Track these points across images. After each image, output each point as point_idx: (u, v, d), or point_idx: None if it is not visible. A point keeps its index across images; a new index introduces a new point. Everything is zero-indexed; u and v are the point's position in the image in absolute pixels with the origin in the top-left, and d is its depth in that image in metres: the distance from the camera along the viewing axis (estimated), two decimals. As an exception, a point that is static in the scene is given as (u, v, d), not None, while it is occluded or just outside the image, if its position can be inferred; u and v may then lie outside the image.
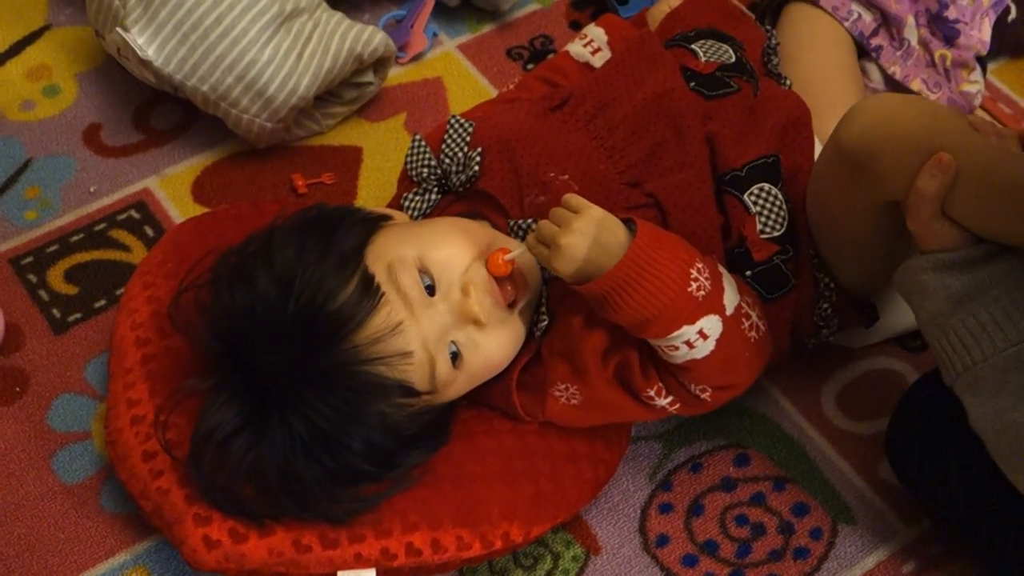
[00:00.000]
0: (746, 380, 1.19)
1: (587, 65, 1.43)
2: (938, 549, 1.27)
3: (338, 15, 1.53)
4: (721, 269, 1.16)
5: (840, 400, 1.37)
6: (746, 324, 1.16)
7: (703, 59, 1.33)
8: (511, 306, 1.19)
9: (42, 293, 1.42)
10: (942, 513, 1.23)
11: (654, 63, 1.32)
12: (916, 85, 1.50)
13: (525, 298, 1.20)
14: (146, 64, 1.46)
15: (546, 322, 1.20)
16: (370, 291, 1.13)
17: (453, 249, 1.17)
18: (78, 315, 1.41)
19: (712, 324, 1.13)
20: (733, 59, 1.33)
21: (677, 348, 1.13)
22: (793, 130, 1.29)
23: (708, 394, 1.17)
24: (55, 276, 1.44)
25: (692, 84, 1.29)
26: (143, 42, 1.45)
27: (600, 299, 1.12)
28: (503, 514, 1.20)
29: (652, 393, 1.18)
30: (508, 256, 1.17)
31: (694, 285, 1.11)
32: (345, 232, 1.17)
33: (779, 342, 1.27)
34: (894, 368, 1.39)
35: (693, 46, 1.35)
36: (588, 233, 1.11)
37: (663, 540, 1.27)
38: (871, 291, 1.31)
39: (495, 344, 1.18)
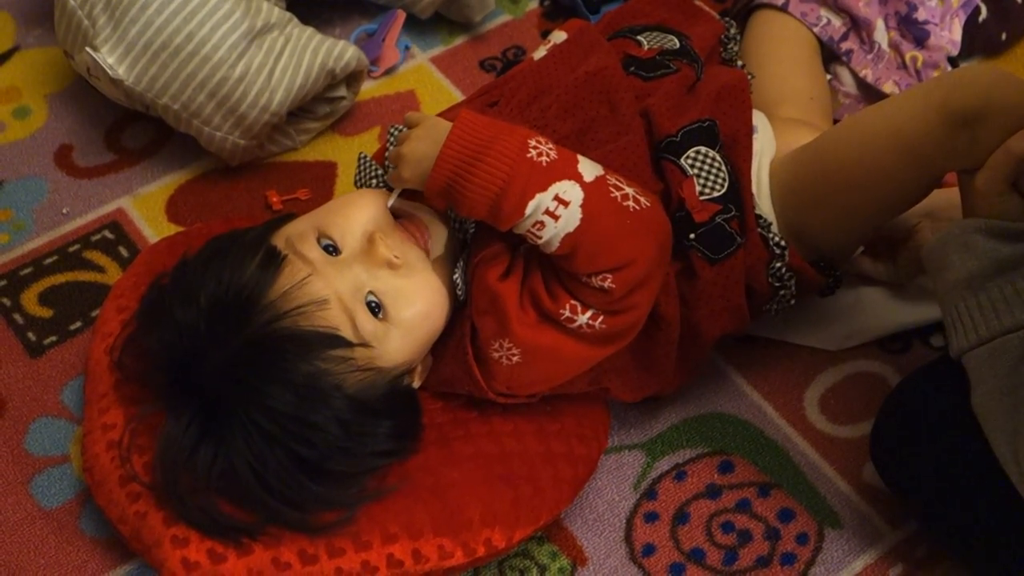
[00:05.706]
0: (639, 254, 1.14)
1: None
2: (924, 551, 1.26)
3: (309, 30, 1.52)
4: (580, 156, 1.16)
5: (823, 404, 1.36)
6: (617, 194, 1.14)
7: (646, 47, 1.34)
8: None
9: (17, 316, 1.41)
10: (928, 515, 1.23)
11: (591, 50, 1.32)
12: (888, 87, 1.51)
13: (435, 238, 1.21)
14: (117, 83, 1.45)
15: (459, 273, 1.20)
16: (272, 258, 1.15)
17: (349, 211, 1.20)
18: (54, 338, 1.39)
19: (568, 188, 1.12)
20: (677, 46, 1.34)
21: (544, 224, 1.12)
22: (728, 96, 1.29)
23: (609, 281, 1.13)
24: (29, 299, 1.43)
25: (631, 68, 1.30)
26: (113, 61, 1.44)
27: (447, 191, 1.13)
28: (484, 520, 1.19)
29: (568, 313, 1.15)
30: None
31: (534, 152, 1.12)
32: (249, 234, 1.20)
33: (737, 308, 1.26)
34: (876, 371, 1.38)
35: (638, 37, 1.36)
36: (422, 136, 1.16)
37: (649, 549, 1.27)
38: (838, 253, 1.31)
39: (417, 287, 1.18)
